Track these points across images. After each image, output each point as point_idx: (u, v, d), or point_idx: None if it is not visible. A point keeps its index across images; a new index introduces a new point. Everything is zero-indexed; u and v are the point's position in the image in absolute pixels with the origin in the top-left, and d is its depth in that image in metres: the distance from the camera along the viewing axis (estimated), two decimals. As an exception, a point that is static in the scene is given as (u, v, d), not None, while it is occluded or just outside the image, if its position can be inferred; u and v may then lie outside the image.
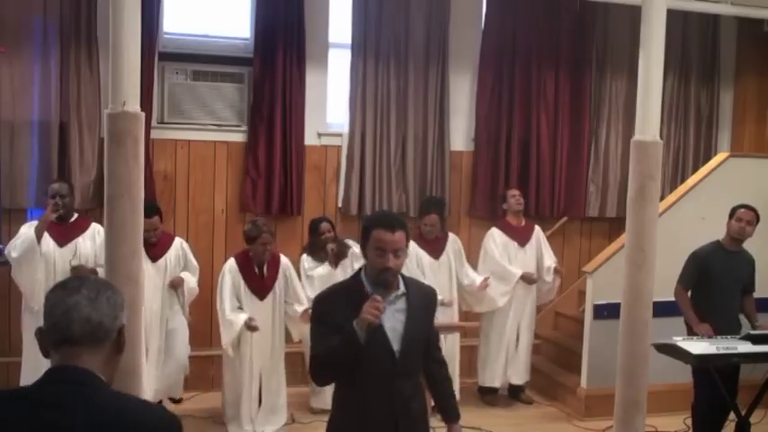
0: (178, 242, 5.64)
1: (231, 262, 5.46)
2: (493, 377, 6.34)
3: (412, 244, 6.05)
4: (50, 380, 1.67)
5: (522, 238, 6.38)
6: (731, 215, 5.11)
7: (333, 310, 2.82)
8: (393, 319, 2.82)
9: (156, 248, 5.46)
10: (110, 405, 1.67)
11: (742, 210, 5.08)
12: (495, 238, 6.33)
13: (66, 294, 1.70)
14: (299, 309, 5.53)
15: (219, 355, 5.75)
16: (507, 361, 6.32)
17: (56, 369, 1.68)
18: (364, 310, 2.68)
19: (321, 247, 5.86)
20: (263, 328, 5.39)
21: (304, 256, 5.91)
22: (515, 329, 6.33)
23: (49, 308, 1.70)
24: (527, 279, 6.27)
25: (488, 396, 6.38)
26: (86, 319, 1.67)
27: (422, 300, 2.94)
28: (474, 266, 6.29)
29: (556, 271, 6.41)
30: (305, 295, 5.59)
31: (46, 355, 1.72)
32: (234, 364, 5.45)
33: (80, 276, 1.83)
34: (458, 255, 6.21)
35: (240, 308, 5.40)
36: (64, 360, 1.68)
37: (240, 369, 5.43)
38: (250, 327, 5.30)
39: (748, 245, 5.22)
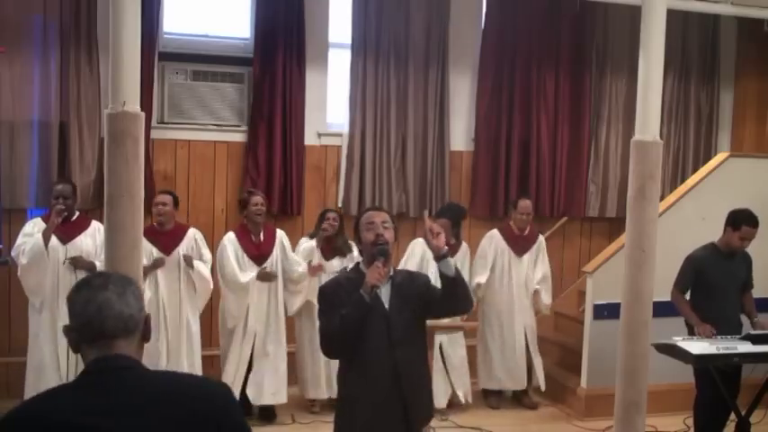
0: (191, 233, 5.63)
1: (230, 234, 5.72)
2: (490, 379, 6.28)
3: (420, 242, 5.86)
4: (99, 369, 1.75)
5: (520, 247, 6.26)
6: (736, 226, 4.88)
7: (339, 291, 3.10)
8: (386, 295, 3.13)
9: (167, 239, 5.48)
10: (162, 382, 1.81)
11: (749, 229, 4.85)
12: (493, 242, 6.25)
13: (94, 292, 1.78)
14: (301, 269, 5.71)
15: (219, 355, 5.77)
16: (513, 364, 6.20)
17: (100, 359, 1.76)
18: (368, 275, 3.02)
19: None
20: (260, 294, 5.64)
21: (303, 238, 5.99)
22: (522, 333, 6.21)
23: (79, 306, 1.77)
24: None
25: (492, 399, 6.30)
26: (118, 315, 1.77)
27: (406, 277, 3.26)
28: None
29: (536, 293, 6.23)
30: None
31: (76, 350, 1.81)
32: (236, 334, 5.61)
33: (101, 273, 1.92)
34: (462, 263, 6.08)
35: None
36: (103, 351, 1.76)
37: (241, 338, 5.60)
38: (264, 275, 5.59)
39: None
